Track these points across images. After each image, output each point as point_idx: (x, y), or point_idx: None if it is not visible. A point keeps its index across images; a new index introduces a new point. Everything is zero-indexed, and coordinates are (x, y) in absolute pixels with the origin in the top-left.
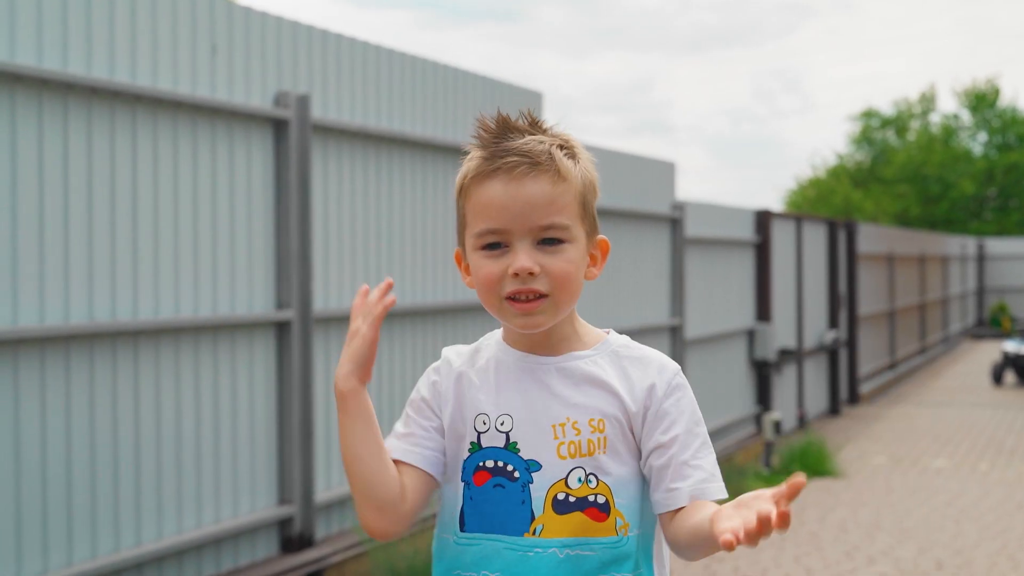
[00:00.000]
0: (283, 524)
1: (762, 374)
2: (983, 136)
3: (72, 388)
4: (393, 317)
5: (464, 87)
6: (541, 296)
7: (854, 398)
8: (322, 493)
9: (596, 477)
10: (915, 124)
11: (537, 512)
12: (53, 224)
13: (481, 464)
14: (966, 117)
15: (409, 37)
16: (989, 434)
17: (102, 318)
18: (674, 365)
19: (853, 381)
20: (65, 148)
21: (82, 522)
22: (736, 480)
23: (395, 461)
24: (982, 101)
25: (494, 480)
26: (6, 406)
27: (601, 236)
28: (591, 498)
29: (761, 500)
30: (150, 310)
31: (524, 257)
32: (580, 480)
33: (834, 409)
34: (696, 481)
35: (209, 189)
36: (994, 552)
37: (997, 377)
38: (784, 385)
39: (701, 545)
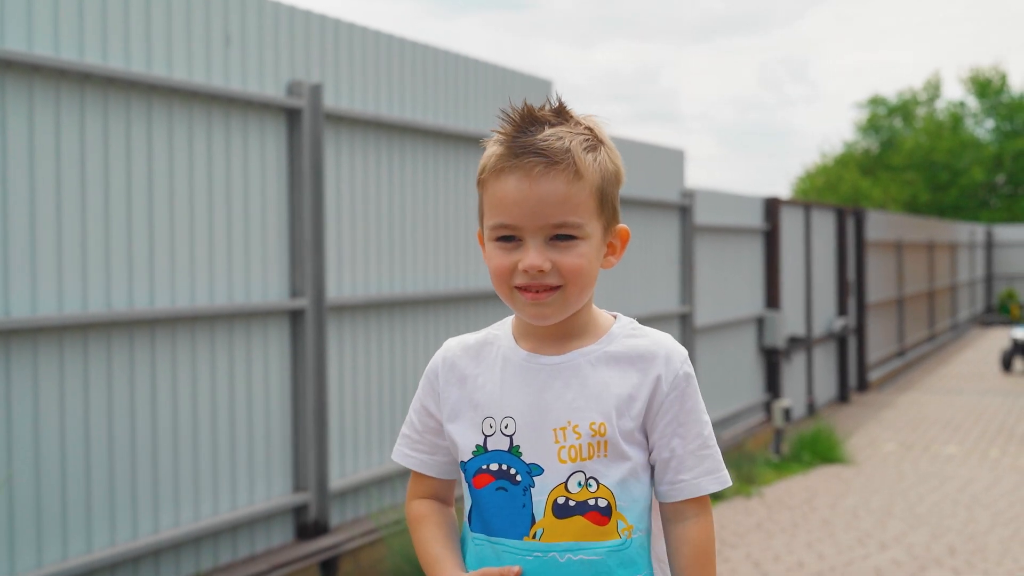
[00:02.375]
0: (298, 511)
1: (771, 361)
2: (990, 123)
3: (90, 376)
4: (406, 305)
5: (475, 75)
6: (551, 289)
7: (863, 385)
8: (336, 480)
9: (596, 481)
10: (921, 111)
11: (538, 516)
12: (70, 214)
13: (484, 467)
14: (972, 103)
15: (414, 25)
16: (1000, 421)
17: (119, 307)
18: (680, 354)
19: (862, 368)
20: (82, 138)
21: (101, 509)
22: (747, 467)
23: (422, 475)
24: (988, 87)
25: (497, 483)
26: (24, 394)
27: (621, 225)
28: (591, 502)
29: None
30: (166, 299)
31: (534, 255)
32: (580, 484)
33: (843, 396)
34: (697, 474)
35: (223, 178)
36: (1007, 538)
37: (1006, 364)
38: (793, 372)
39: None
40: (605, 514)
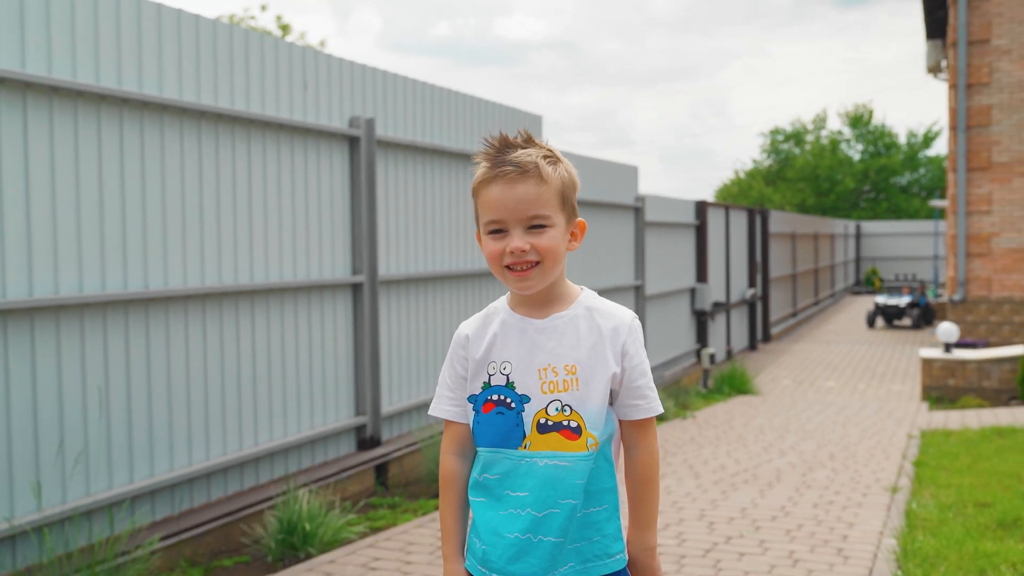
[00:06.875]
0: (358, 429)
1: (701, 320)
2: (860, 146)
3: (208, 335)
4: (436, 280)
5: (485, 111)
6: (532, 265)
7: (767, 338)
8: (387, 407)
9: (571, 408)
10: (810, 138)
11: (527, 432)
12: (192, 217)
13: (489, 398)
14: (847, 132)
15: (434, 77)
16: (865, 363)
17: (228, 281)
18: (629, 315)
19: (766, 325)
20: (200, 164)
21: (215, 428)
22: (683, 397)
23: (454, 424)
24: (859, 120)
25: (497, 410)
26: (159, 346)
27: (580, 219)
28: (564, 422)
29: None
30: (262, 276)
31: (517, 240)
32: (557, 409)
33: (752, 346)
34: (647, 401)
35: (303, 188)
36: (871, 447)
37: (870, 322)
38: (717, 329)
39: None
40: (576, 432)
